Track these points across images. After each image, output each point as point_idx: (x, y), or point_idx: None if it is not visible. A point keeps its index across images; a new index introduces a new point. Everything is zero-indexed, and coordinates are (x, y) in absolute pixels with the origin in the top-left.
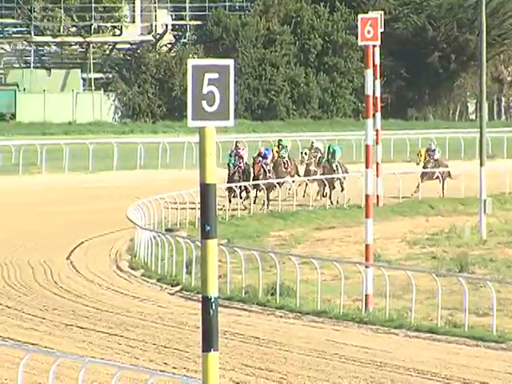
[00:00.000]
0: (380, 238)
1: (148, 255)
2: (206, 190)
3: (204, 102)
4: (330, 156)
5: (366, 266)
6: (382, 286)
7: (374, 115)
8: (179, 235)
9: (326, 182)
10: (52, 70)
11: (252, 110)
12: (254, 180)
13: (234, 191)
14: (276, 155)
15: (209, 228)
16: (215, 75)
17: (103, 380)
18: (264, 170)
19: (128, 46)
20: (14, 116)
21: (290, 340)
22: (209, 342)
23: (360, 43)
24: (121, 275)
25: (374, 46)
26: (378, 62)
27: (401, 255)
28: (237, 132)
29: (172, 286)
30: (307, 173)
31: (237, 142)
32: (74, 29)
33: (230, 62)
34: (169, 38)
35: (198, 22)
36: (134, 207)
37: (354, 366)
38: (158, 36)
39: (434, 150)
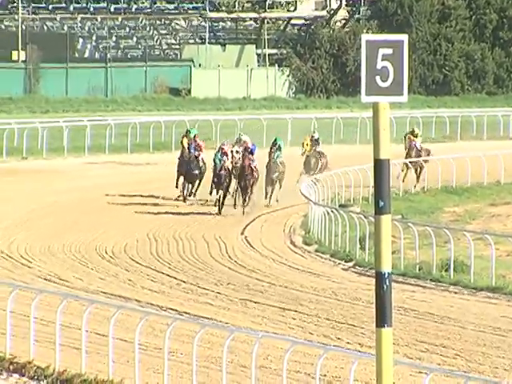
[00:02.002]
0: None
1: (321, 231)
2: (380, 166)
3: (378, 78)
4: (275, 151)
5: None
6: None
7: None
8: (353, 211)
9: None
10: (227, 46)
11: (426, 86)
12: (239, 177)
13: (221, 186)
14: (185, 144)
15: (383, 204)
16: (389, 50)
17: (277, 354)
18: (251, 168)
19: (302, 21)
20: (189, 91)
21: (465, 316)
22: (382, 317)
23: None
24: (295, 250)
25: None
26: None
27: None
28: (411, 108)
29: (345, 261)
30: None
31: (195, 135)
32: (248, 4)
33: (404, 38)
34: (343, 13)
35: None
36: (307, 183)
37: None
38: (332, 11)
39: (317, 140)
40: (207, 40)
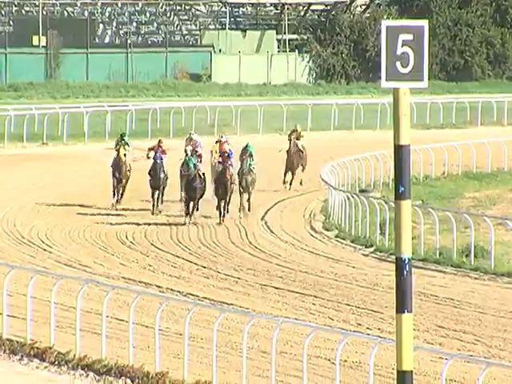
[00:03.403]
0: None
1: (342, 216)
2: (400, 151)
3: (398, 63)
4: (246, 158)
5: None
6: None
7: None
8: (373, 196)
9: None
10: (247, 32)
11: (447, 71)
12: (218, 185)
13: (195, 195)
14: (122, 155)
15: (403, 189)
16: (409, 36)
17: (297, 340)
18: (231, 176)
19: (322, 7)
20: (209, 77)
21: (485, 302)
22: (403, 303)
23: None
24: (315, 236)
25: None
26: None
27: None
28: (431, 93)
29: (366, 247)
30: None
31: (159, 140)
32: None
33: (425, 23)
34: None
35: None
36: (327, 168)
37: None
38: None
39: (226, 141)
40: (227, 26)
